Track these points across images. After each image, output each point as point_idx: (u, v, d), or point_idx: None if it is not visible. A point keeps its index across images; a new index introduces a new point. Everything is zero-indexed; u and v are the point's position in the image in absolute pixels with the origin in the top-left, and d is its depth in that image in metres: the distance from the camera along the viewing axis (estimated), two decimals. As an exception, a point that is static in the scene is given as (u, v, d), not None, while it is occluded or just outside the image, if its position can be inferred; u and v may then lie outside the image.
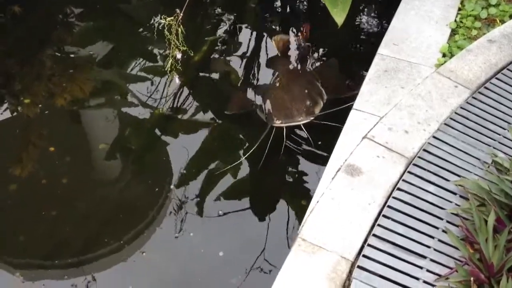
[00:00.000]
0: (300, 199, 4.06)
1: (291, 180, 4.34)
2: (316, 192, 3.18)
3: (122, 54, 5.75)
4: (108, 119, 5.09)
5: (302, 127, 4.11)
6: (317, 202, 3.13)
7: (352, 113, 3.61)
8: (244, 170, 4.29)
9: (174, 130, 4.85)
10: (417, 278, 2.89)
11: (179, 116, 4.80)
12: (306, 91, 4.36)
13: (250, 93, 4.87)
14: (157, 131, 4.75)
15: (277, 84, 4.61)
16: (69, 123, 5.03)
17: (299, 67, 5.02)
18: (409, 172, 3.32)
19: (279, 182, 4.32)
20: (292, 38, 5.25)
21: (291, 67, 5.01)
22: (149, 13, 6.23)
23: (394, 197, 3.19)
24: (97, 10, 6.03)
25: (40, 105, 5.05)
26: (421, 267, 2.93)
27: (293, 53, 5.14)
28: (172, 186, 4.20)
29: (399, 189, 3.23)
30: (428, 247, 3.02)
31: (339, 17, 3.99)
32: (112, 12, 6.08)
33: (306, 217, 3.06)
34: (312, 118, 4.12)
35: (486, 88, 3.86)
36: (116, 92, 5.38)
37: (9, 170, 4.26)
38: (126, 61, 5.73)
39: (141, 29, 5.74)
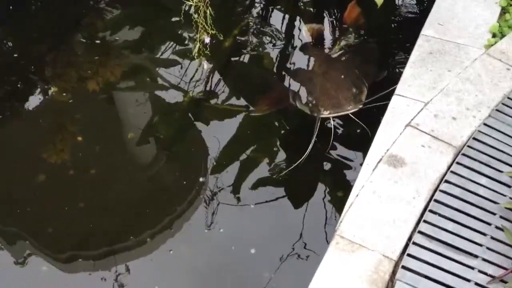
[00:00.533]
0: (339, 191, 3.81)
1: (331, 172, 4.08)
2: (356, 184, 2.94)
3: (152, 39, 5.57)
4: (139, 103, 4.95)
5: (352, 116, 3.83)
6: (357, 195, 2.89)
7: (394, 99, 3.35)
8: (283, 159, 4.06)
9: (206, 116, 4.65)
10: (467, 280, 2.63)
11: (211, 102, 4.60)
12: (349, 78, 4.08)
13: (283, 86, 4.60)
14: (189, 117, 4.56)
15: (316, 73, 4.37)
16: (101, 110, 4.90)
17: (336, 53, 4.74)
18: (457, 162, 3.05)
19: (319, 174, 4.07)
20: (325, 26, 4.98)
21: (327, 54, 4.73)
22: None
23: (441, 191, 2.93)
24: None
25: (71, 91, 4.92)
26: (472, 268, 2.67)
27: (328, 39, 4.87)
28: (205, 175, 4.00)
29: (447, 181, 2.97)
30: (480, 245, 2.75)
31: (379, -4, 3.71)
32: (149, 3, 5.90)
33: (344, 212, 2.82)
34: (360, 106, 3.85)
35: (542, 71, 3.52)
36: (147, 77, 5.23)
37: (42, 156, 4.13)
38: (156, 46, 5.56)
39: (170, 14, 5.53)
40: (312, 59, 4.68)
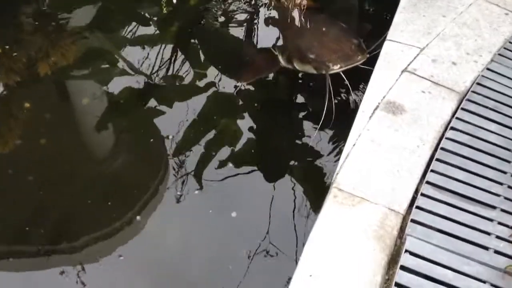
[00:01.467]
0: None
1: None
2: (351, 133, 2.55)
3: (110, 18, 4.99)
4: (97, 89, 4.36)
5: (363, 66, 3.38)
6: (354, 145, 2.50)
7: (386, 44, 2.99)
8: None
9: (170, 98, 4.09)
10: (487, 233, 2.27)
11: (176, 81, 4.07)
12: (345, 32, 3.67)
13: (267, 50, 4.13)
14: (151, 101, 4.00)
15: (307, 30, 3.84)
16: (54, 94, 4.31)
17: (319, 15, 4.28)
18: (462, 108, 2.70)
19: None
20: None
21: (308, 13, 4.25)
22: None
23: (448, 138, 2.57)
24: None
25: (20, 73, 4.31)
26: (491, 220, 2.32)
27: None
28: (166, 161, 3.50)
29: (453, 128, 2.61)
30: (497, 195, 2.40)
31: None
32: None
33: (341, 162, 2.43)
34: (368, 55, 3.39)
35: (542, 15, 3.21)
36: (105, 60, 4.61)
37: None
38: (115, 25, 4.99)
39: None
40: (293, 19, 4.20)
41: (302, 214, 2.97)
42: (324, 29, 3.65)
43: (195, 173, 3.32)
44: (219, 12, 4.55)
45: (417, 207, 2.31)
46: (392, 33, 3.05)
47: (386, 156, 2.48)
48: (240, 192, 3.28)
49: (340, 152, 2.65)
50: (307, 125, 3.53)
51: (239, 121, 3.75)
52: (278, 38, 4.13)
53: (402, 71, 2.85)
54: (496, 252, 2.22)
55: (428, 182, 2.40)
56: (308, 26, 3.76)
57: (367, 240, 2.20)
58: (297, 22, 3.98)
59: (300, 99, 3.77)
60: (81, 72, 4.38)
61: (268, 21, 4.40)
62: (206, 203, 3.12)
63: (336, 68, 3.33)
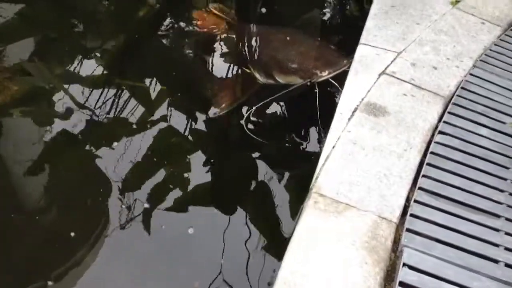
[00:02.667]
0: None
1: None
2: (329, 135, 2.20)
3: (51, 50, 4.50)
4: (33, 129, 3.80)
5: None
6: (333, 147, 2.14)
7: (360, 48, 2.71)
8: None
9: (114, 136, 3.57)
10: (495, 245, 1.93)
11: (122, 118, 3.59)
12: (317, 40, 3.42)
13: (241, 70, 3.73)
14: (93, 139, 3.50)
15: (282, 43, 3.47)
16: None
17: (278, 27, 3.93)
18: (450, 112, 2.41)
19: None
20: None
21: (267, 28, 3.89)
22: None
23: (437, 142, 2.25)
24: None
25: None
26: (497, 230, 1.98)
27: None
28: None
29: (441, 132, 2.30)
30: (500, 203, 2.08)
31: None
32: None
33: (319, 165, 2.06)
34: (351, 59, 2.98)
35: (519, 25, 3.03)
36: (45, 96, 4.05)
37: None
38: (57, 58, 4.50)
39: (74, 15, 4.54)
40: (258, 34, 3.83)
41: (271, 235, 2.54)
42: (294, 40, 3.33)
43: (142, 219, 2.83)
44: (171, 39, 4.19)
45: (412, 215, 1.95)
46: (365, 37, 2.78)
47: (371, 159, 2.12)
48: (195, 235, 2.80)
49: (316, 156, 2.27)
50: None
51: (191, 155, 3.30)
52: (245, 58, 3.75)
53: (380, 74, 2.55)
54: (507, 265, 1.87)
55: (421, 188, 2.05)
56: (278, 38, 3.43)
57: (357, 252, 1.81)
58: (260, 39, 3.63)
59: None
60: (18, 110, 3.84)
61: (227, 43, 4.02)
62: (156, 252, 2.63)
63: (325, 75, 3.00)
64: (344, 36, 3.65)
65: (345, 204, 1.94)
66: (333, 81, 2.91)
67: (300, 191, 2.68)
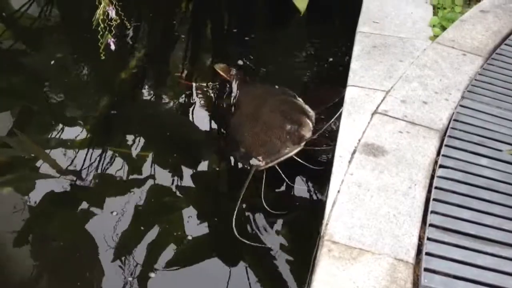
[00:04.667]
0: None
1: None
2: (332, 180, 2.18)
3: (31, 121, 4.42)
4: (17, 199, 3.70)
5: (296, 158, 2.87)
6: (338, 192, 2.11)
7: (349, 90, 2.72)
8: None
9: (102, 198, 3.48)
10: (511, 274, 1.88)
11: (106, 179, 3.51)
12: (282, 114, 3.11)
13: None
14: (80, 203, 3.40)
15: (244, 118, 3.35)
16: None
17: (263, 89, 3.73)
18: (447, 145, 2.42)
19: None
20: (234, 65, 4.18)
21: (254, 91, 3.69)
22: (56, 67, 5.01)
23: (440, 177, 2.24)
24: None
25: None
26: (511, 259, 1.93)
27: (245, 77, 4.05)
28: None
29: (442, 166, 2.30)
30: (511, 232, 2.04)
31: (302, 2, 3.20)
32: (13, 69, 4.81)
33: (327, 212, 2.03)
34: (303, 143, 2.90)
35: (499, 54, 3.10)
36: (28, 165, 3.96)
37: None
38: (39, 128, 4.43)
39: (50, 89, 4.48)
40: (237, 102, 3.77)
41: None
42: (260, 113, 3.17)
43: (137, 283, 2.73)
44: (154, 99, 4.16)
45: (428, 254, 1.92)
46: (352, 79, 2.80)
47: (378, 200, 2.10)
48: None
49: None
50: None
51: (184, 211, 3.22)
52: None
53: (373, 114, 2.56)
54: (529, 295, 1.83)
55: (432, 225, 2.03)
56: (247, 112, 3.29)
57: (378, 297, 1.75)
58: (239, 100, 3.60)
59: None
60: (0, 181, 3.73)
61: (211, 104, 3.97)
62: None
63: (263, 165, 2.83)
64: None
65: (359, 249, 1.91)
66: (278, 168, 2.79)
67: (305, 240, 2.66)
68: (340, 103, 2.81)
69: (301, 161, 2.85)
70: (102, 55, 2.38)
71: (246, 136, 3.01)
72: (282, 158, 2.82)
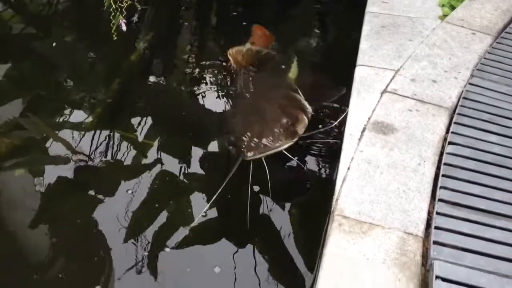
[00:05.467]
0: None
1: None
2: (342, 157, 2.21)
3: (42, 105, 4.48)
4: (29, 181, 3.75)
5: (286, 153, 2.89)
6: (348, 168, 2.14)
7: (358, 69, 2.74)
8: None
9: (112, 181, 3.52)
10: (522, 248, 1.90)
11: (115, 162, 3.55)
12: (279, 107, 3.13)
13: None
14: (91, 186, 3.44)
15: (242, 108, 3.41)
16: None
17: (268, 79, 3.75)
18: (456, 123, 2.44)
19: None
20: (250, 47, 4.17)
21: (258, 81, 3.71)
22: (66, 52, 5.06)
23: (449, 153, 2.27)
24: (9, 55, 4.82)
25: None
26: (521, 233, 1.96)
27: (256, 64, 4.05)
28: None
29: (452, 143, 2.32)
30: (520, 206, 2.06)
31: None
32: (25, 55, 4.87)
33: (338, 188, 2.06)
34: (295, 139, 2.92)
35: (508, 33, 3.11)
36: (39, 148, 4.02)
37: None
38: (48, 112, 4.48)
39: (60, 73, 4.53)
40: (240, 91, 3.80)
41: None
42: (258, 103, 3.20)
43: (148, 263, 2.78)
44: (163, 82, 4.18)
45: (437, 227, 1.95)
46: (362, 58, 2.82)
47: (387, 176, 2.13)
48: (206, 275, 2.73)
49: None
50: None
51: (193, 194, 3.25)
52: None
53: (382, 92, 2.58)
54: (537, 267, 1.86)
55: (441, 200, 2.06)
56: (245, 102, 3.34)
57: (388, 270, 1.80)
58: (243, 88, 3.62)
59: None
60: (12, 163, 3.80)
61: (217, 89, 4.00)
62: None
63: (250, 155, 2.83)
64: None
65: (369, 224, 1.94)
66: (264, 162, 2.79)
67: (314, 216, 2.70)
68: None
69: (289, 156, 2.86)
70: (114, 35, 2.41)
71: (240, 125, 3.02)
72: (271, 151, 2.83)
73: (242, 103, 3.41)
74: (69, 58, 4.68)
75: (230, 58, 3.92)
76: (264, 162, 2.80)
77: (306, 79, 3.67)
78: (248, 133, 2.90)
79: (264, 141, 2.86)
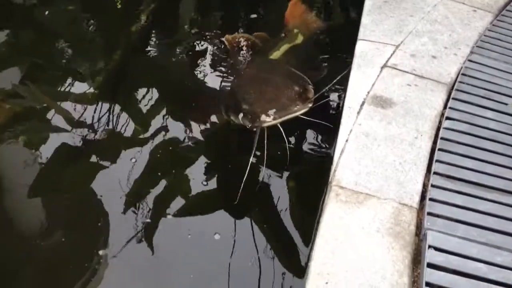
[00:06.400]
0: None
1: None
2: (341, 130, 2.25)
3: (42, 74, 4.49)
4: (29, 151, 3.77)
5: (303, 117, 2.94)
6: (346, 141, 2.19)
7: (359, 44, 2.77)
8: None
9: (111, 151, 3.54)
10: (513, 220, 1.97)
11: (116, 132, 3.58)
12: (288, 77, 3.23)
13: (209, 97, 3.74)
14: (90, 156, 3.47)
15: (248, 77, 3.48)
16: None
17: (265, 59, 3.96)
18: (454, 98, 2.48)
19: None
20: (244, 34, 4.20)
21: (256, 61, 3.77)
22: (68, 20, 5.06)
23: (446, 128, 2.32)
24: (10, 23, 4.82)
25: None
26: (511, 206, 2.02)
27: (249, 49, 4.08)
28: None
29: (449, 118, 2.37)
30: (511, 180, 2.12)
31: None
32: (26, 24, 4.88)
33: (336, 159, 2.11)
34: (310, 105, 2.98)
35: (509, 11, 3.14)
36: (39, 117, 4.04)
37: None
38: (47, 81, 4.50)
39: (61, 42, 4.53)
40: (239, 66, 3.84)
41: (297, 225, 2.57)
42: (266, 76, 3.25)
43: (145, 233, 2.83)
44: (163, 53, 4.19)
45: (431, 199, 2.01)
46: (363, 33, 2.85)
47: (385, 149, 2.18)
48: (204, 248, 2.79)
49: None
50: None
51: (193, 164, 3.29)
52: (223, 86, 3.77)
53: (382, 67, 2.62)
54: (527, 239, 1.92)
55: (436, 173, 2.11)
56: (251, 72, 3.39)
57: (383, 238, 1.86)
58: (241, 68, 3.66)
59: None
60: (12, 132, 3.83)
61: (216, 65, 4.03)
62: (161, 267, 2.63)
63: (269, 121, 2.87)
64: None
65: (365, 194, 2.00)
66: (280, 127, 2.82)
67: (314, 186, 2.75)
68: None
69: (309, 119, 2.91)
70: (118, 3, 2.42)
71: (252, 94, 3.06)
72: (289, 116, 2.88)
73: (247, 76, 3.44)
74: (71, 28, 4.69)
75: (226, 43, 3.96)
76: (280, 127, 2.83)
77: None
78: (263, 101, 2.95)
79: (281, 106, 2.90)
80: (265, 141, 2.75)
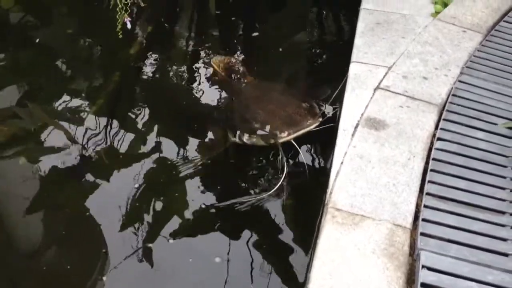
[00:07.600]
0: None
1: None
2: (336, 152, 2.33)
3: (41, 93, 4.53)
4: (26, 169, 3.80)
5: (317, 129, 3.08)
6: (341, 163, 2.26)
7: (353, 66, 2.85)
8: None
9: (107, 170, 3.58)
10: (504, 239, 2.04)
11: (114, 151, 3.63)
12: (292, 96, 3.34)
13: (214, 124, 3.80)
14: (86, 175, 3.51)
15: (252, 99, 3.51)
16: None
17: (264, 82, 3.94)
18: (445, 119, 2.56)
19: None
20: (232, 56, 4.26)
21: (249, 82, 3.83)
22: (68, 42, 5.13)
23: (437, 149, 2.39)
24: (8, 43, 4.87)
25: None
26: (502, 225, 2.10)
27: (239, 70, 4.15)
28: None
29: (440, 139, 2.44)
30: (503, 200, 2.21)
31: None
32: (26, 44, 4.93)
33: (331, 182, 2.18)
34: (320, 119, 3.09)
35: (497, 30, 3.22)
36: (36, 137, 4.07)
37: None
38: (45, 100, 4.55)
39: (61, 62, 4.58)
40: (234, 89, 3.90)
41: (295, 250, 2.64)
42: (269, 96, 3.34)
43: (143, 252, 2.86)
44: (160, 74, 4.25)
45: (424, 220, 2.07)
46: (356, 55, 2.93)
47: (379, 171, 2.25)
48: (200, 265, 2.82)
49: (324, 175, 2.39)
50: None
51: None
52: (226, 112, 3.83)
53: (375, 89, 2.70)
54: (517, 258, 1.99)
55: (429, 194, 2.18)
56: (250, 92, 3.48)
57: (378, 259, 1.92)
58: (240, 93, 3.72)
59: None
60: (9, 152, 3.87)
61: (212, 86, 4.09)
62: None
63: (284, 136, 2.99)
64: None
65: (360, 216, 2.07)
66: (293, 142, 2.93)
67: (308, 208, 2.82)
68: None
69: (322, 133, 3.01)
70: (119, 34, 2.50)
71: (261, 113, 3.17)
72: (303, 131, 3.02)
73: (248, 97, 3.51)
74: (70, 49, 4.76)
75: (213, 65, 4.04)
76: (294, 142, 2.98)
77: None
78: (276, 118, 3.09)
79: (294, 121, 3.04)
80: (282, 157, 2.90)
